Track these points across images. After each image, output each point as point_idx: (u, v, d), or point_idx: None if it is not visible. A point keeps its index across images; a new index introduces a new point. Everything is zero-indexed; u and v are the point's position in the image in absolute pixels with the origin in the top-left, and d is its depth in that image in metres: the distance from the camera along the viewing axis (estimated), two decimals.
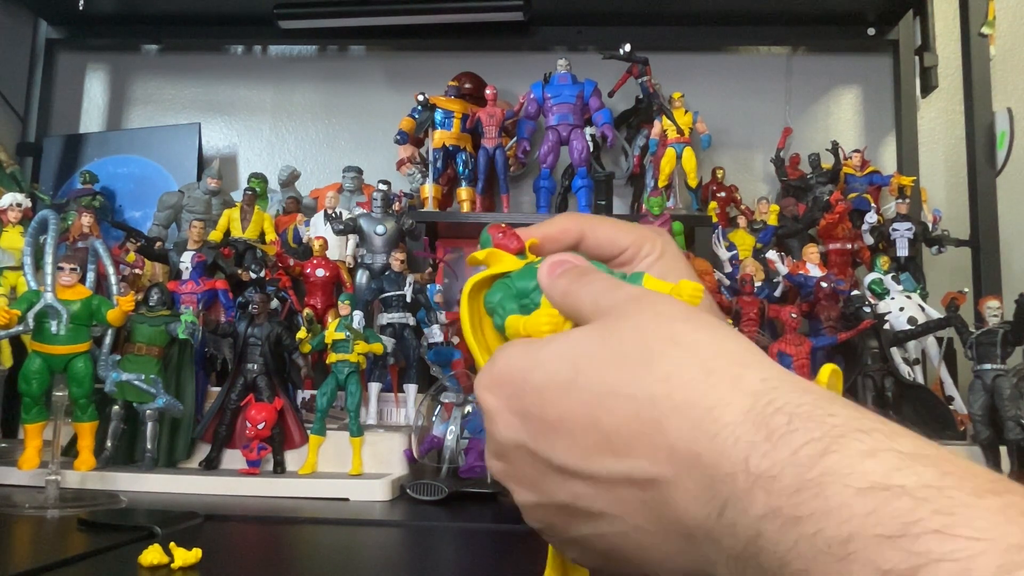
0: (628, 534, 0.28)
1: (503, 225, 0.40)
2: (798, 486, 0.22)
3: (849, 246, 1.52)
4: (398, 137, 1.60)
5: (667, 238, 0.40)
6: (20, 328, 1.04)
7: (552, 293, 0.34)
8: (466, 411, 1.17)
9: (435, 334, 1.35)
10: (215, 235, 1.50)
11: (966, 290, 1.35)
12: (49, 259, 1.04)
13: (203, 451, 1.17)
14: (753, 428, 0.24)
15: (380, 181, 1.60)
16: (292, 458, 1.16)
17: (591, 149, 1.59)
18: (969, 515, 0.19)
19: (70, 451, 1.08)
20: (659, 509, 0.26)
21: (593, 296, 0.32)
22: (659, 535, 0.27)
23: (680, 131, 1.57)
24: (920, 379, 1.34)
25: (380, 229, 1.48)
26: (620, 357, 0.28)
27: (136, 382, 1.07)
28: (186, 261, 1.40)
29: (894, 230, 1.50)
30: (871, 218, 1.52)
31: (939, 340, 1.38)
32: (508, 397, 0.31)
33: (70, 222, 1.42)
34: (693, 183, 1.58)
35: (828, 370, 0.30)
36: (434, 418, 1.19)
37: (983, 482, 0.20)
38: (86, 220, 1.40)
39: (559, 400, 0.29)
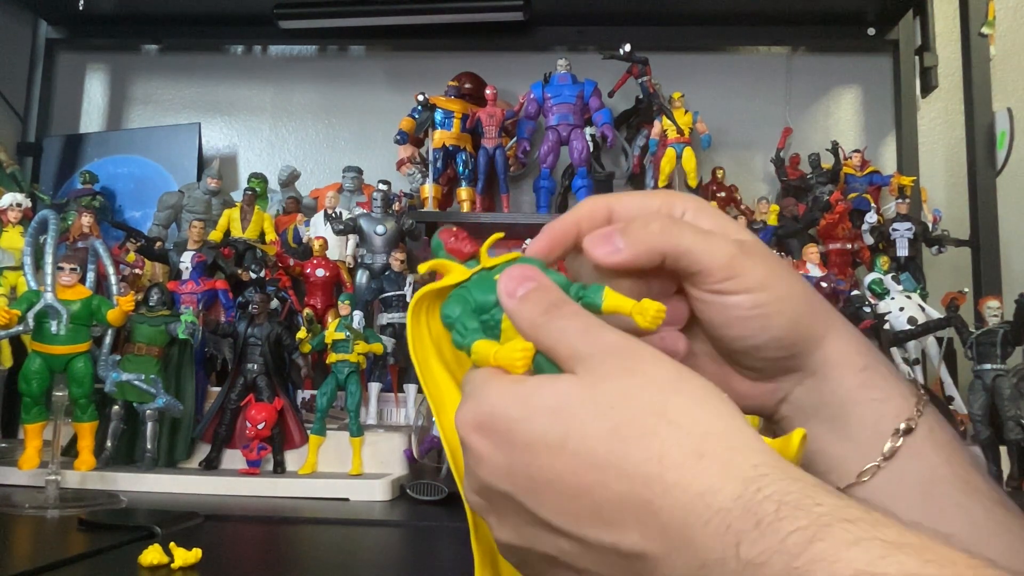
0: None
1: (454, 228, 0.38)
2: (786, 573, 0.23)
3: (849, 246, 1.52)
4: (398, 137, 1.60)
5: (696, 199, 0.38)
6: (20, 328, 1.04)
7: (518, 320, 0.32)
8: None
9: None
10: (215, 235, 1.50)
11: (966, 290, 1.35)
12: (49, 259, 1.04)
13: (203, 451, 1.17)
14: (743, 515, 0.24)
15: (380, 181, 1.60)
16: (292, 458, 1.16)
17: (591, 149, 1.59)
18: None
19: (70, 451, 1.08)
20: None
21: (569, 340, 0.31)
22: None
23: (680, 131, 1.57)
24: (920, 379, 1.33)
25: (380, 229, 1.48)
26: (612, 428, 0.28)
27: (136, 382, 1.07)
28: (186, 261, 1.40)
29: (894, 230, 1.50)
30: (871, 218, 1.52)
31: (939, 340, 1.37)
32: (496, 445, 0.30)
33: (70, 222, 1.42)
34: (693, 183, 1.57)
35: (799, 436, 0.29)
36: (434, 418, 1.19)
37: (962, 569, 0.21)
38: (86, 220, 1.40)
39: (549, 462, 0.29)
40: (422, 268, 0.37)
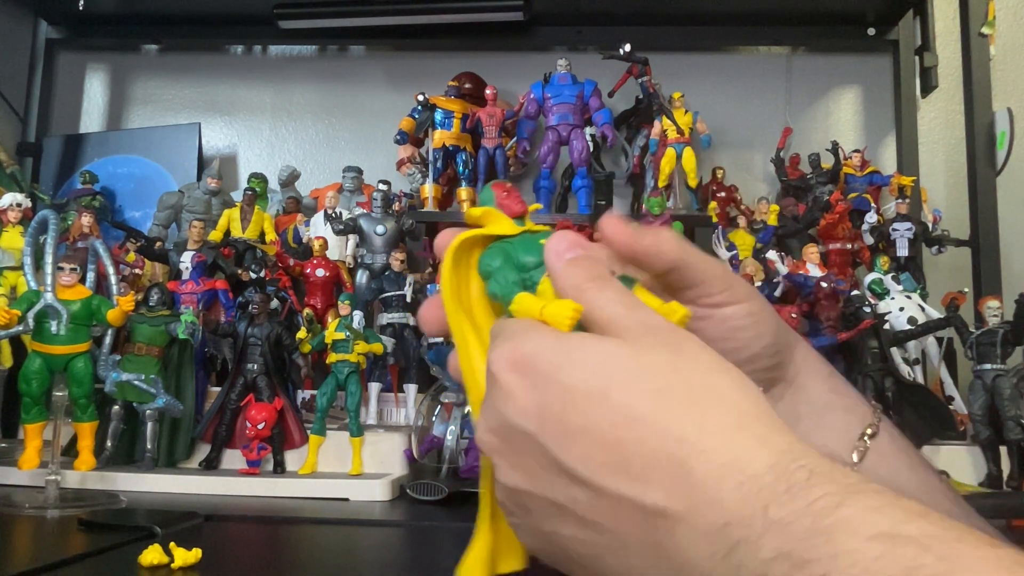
0: (614, 550, 0.29)
1: (507, 184, 0.38)
2: (811, 533, 0.23)
3: (849, 246, 1.52)
4: (398, 137, 1.60)
5: (761, 301, 0.39)
6: (20, 328, 1.04)
7: (564, 281, 0.32)
8: (466, 411, 1.17)
9: None
10: (215, 235, 1.50)
11: (966, 290, 1.35)
12: (49, 259, 1.04)
13: (203, 451, 1.17)
14: (775, 480, 0.25)
15: (380, 181, 1.60)
16: (292, 458, 1.16)
17: (591, 149, 1.59)
18: (968, 563, 0.21)
19: (70, 451, 1.08)
20: (658, 537, 0.27)
21: (612, 309, 0.31)
22: (647, 559, 0.28)
23: (680, 131, 1.57)
24: (920, 379, 1.33)
25: (380, 229, 1.48)
26: (656, 389, 0.29)
27: (136, 382, 1.07)
28: (186, 261, 1.40)
29: (894, 230, 1.50)
30: (871, 218, 1.52)
31: (939, 340, 1.37)
32: (532, 385, 0.30)
33: (70, 222, 1.42)
34: (693, 183, 1.57)
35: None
36: (434, 418, 1.19)
37: (982, 537, 0.22)
38: (86, 220, 1.40)
39: (586, 408, 0.29)
40: (474, 211, 0.37)
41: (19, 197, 1.39)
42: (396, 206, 1.54)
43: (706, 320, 0.37)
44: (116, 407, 1.13)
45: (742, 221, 1.60)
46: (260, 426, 1.12)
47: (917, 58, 1.73)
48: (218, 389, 1.22)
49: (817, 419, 0.39)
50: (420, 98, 1.61)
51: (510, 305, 0.33)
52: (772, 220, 1.61)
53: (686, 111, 1.60)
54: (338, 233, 1.48)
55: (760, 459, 0.26)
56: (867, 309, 1.27)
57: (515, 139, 1.66)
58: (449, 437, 1.13)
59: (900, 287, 1.39)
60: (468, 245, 0.37)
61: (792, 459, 0.26)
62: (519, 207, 0.37)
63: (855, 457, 0.38)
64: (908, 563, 0.22)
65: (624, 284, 0.34)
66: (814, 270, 1.42)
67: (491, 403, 0.32)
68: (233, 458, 1.15)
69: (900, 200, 1.54)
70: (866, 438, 0.38)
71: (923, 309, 1.36)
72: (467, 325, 0.36)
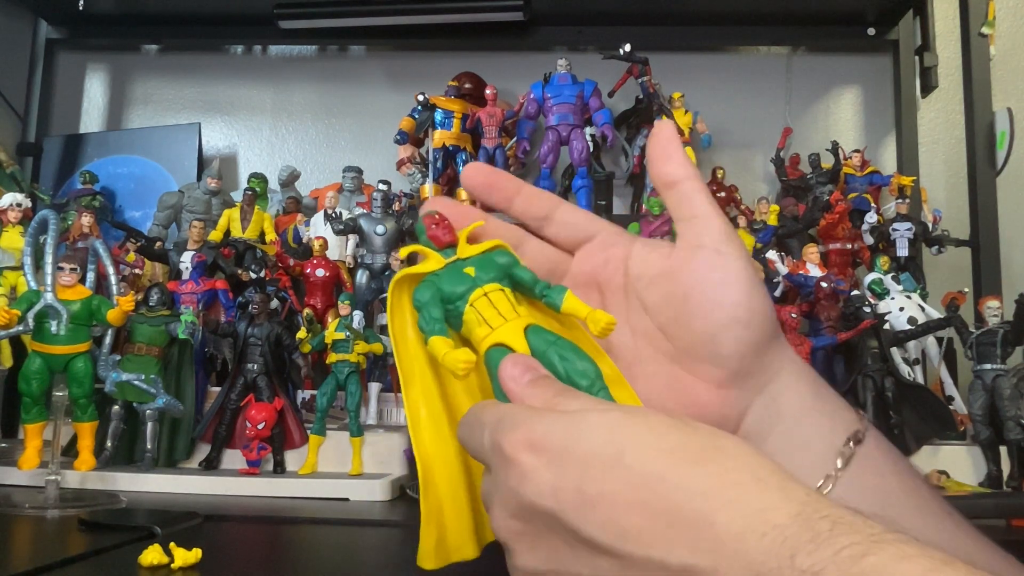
0: None
1: (437, 215, 0.39)
2: None
3: (849, 246, 1.52)
4: (398, 137, 1.60)
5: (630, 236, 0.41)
6: (20, 328, 1.03)
7: (531, 402, 0.34)
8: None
9: None
10: (215, 235, 1.50)
11: (966, 290, 1.35)
12: (49, 259, 1.04)
13: (203, 451, 1.17)
14: (799, 530, 0.25)
15: (380, 181, 1.60)
16: (292, 458, 1.16)
17: (591, 149, 1.59)
18: None
19: (70, 451, 1.08)
20: None
21: (587, 410, 0.32)
22: None
23: (680, 131, 1.57)
24: (920, 379, 1.33)
25: (380, 229, 1.48)
26: (669, 448, 0.29)
27: (136, 382, 1.07)
28: (186, 261, 1.40)
29: (894, 230, 1.50)
30: (871, 218, 1.52)
31: (939, 340, 1.37)
32: (548, 462, 0.30)
33: (70, 222, 1.42)
34: None
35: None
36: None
37: None
38: (86, 220, 1.40)
39: (602, 475, 0.29)
40: (402, 252, 0.40)
41: (19, 197, 1.39)
42: (396, 206, 1.54)
43: (703, 263, 0.38)
44: (116, 407, 1.13)
45: (742, 221, 1.60)
46: (260, 426, 1.12)
47: (917, 58, 1.73)
48: (218, 389, 1.22)
49: (799, 420, 0.39)
50: (420, 98, 1.61)
51: (427, 346, 0.36)
52: (772, 220, 1.61)
53: (686, 111, 1.60)
54: (338, 233, 1.48)
55: (782, 510, 0.26)
56: (867, 309, 1.27)
57: (515, 139, 1.66)
58: None
59: (900, 287, 1.39)
60: (407, 282, 0.39)
61: (814, 510, 0.26)
62: (447, 238, 0.39)
63: (839, 463, 0.37)
64: None
65: (554, 293, 0.37)
66: (814, 270, 1.42)
67: (506, 487, 0.32)
68: (233, 458, 1.15)
69: (900, 200, 1.54)
70: (851, 443, 0.38)
71: (923, 309, 1.36)
72: (412, 362, 0.39)
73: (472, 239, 0.40)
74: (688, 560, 0.27)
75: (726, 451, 0.29)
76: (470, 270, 0.38)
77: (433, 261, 0.39)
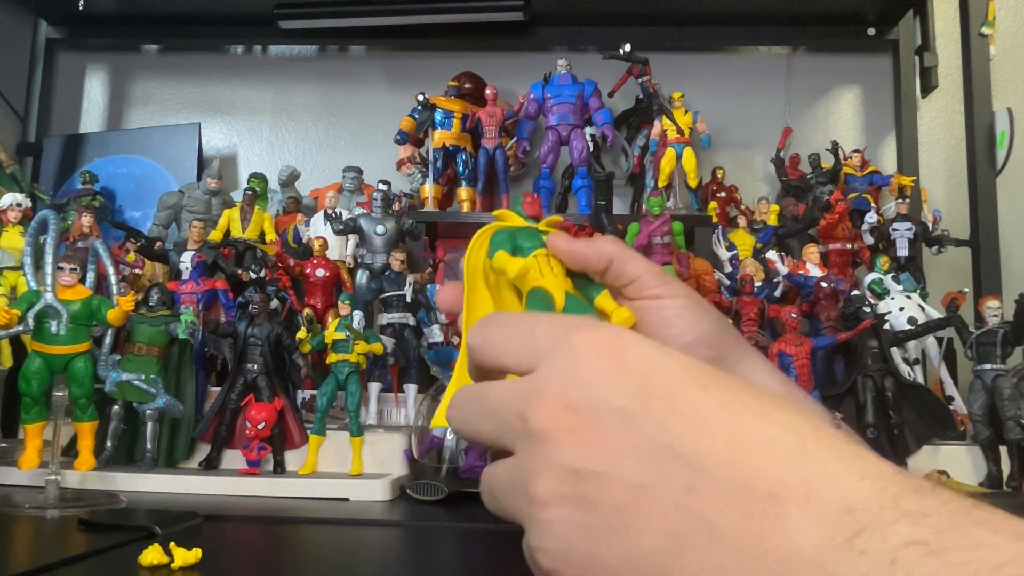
0: (698, 544, 0.26)
1: (532, 196, 0.49)
2: (948, 525, 0.23)
3: (849, 246, 1.52)
4: (398, 137, 1.60)
5: (697, 297, 0.43)
6: (20, 328, 1.04)
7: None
8: None
9: (435, 334, 1.35)
10: (215, 235, 1.50)
11: (966, 290, 1.35)
12: (49, 259, 1.04)
13: (203, 451, 1.17)
14: (902, 481, 0.25)
15: (380, 181, 1.60)
16: (292, 458, 1.16)
17: (591, 149, 1.59)
18: None
19: (70, 451, 1.08)
20: (762, 524, 0.25)
21: None
22: (737, 553, 0.25)
23: (680, 131, 1.57)
24: (920, 379, 1.33)
25: (380, 229, 1.48)
26: (759, 394, 0.28)
27: (136, 382, 1.07)
28: (186, 261, 1.40)
29: (894, 230, 1.50)
30: (871, 218, 1.52)
31: (939, 340, 1.38)
32: (633, 370, 0.28)
33: (70, 222, 1.42)
34: (693, 183, 1.57)
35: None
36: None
37: None
38: (86, 220, 1.40)
39: (696, 395, 0.28)
40: (497, 212, 0.47)
41: (19, 197, 1.40)
42: (396, 206, 1.54)
43: (646, 310, 0.41)
44: (116, 407, 1.13)
45: (742, 221, 1.60)
46: (260, 426, 1.12)
47: (917, 58, 1.73)
48: (218, 389, 1.22)
49: None
50: (420, 98, 1.61)
51: (492, 262, 0.43)
52: (772, 220, 1.61)
53: (686, 111, 1.60)
54: (338, 233, 1.48)
55: (881, 465, 0.25)
56: (867, 309, 1.27)
57: (515, 139, 1.66)
58: (449, 437, 1.13)
59: (900, 287, 1.39)
60: (490, 230, 0.46)
61: (910, 472, 0.26)
62: (535, 211, 0.47)
63: None
64: None
65: (593, 289, 0.42)
66: (814, 270, 1.42)
67: (579, 376, 0.29)
68: (233, 458, 1.15)
69: (900, 200, 1.54)
70: None
71: (923, 309, 1.36)
72: (480, 283, 0.45)
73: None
74: (776, 488, 0.25)
75: (816, 410, 0.29)
76: (547, 235, 0.44)
77: (517, 221, 0.46)
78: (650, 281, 0.41)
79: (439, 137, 1.62)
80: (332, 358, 1.19)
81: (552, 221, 0.47)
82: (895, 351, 1.31)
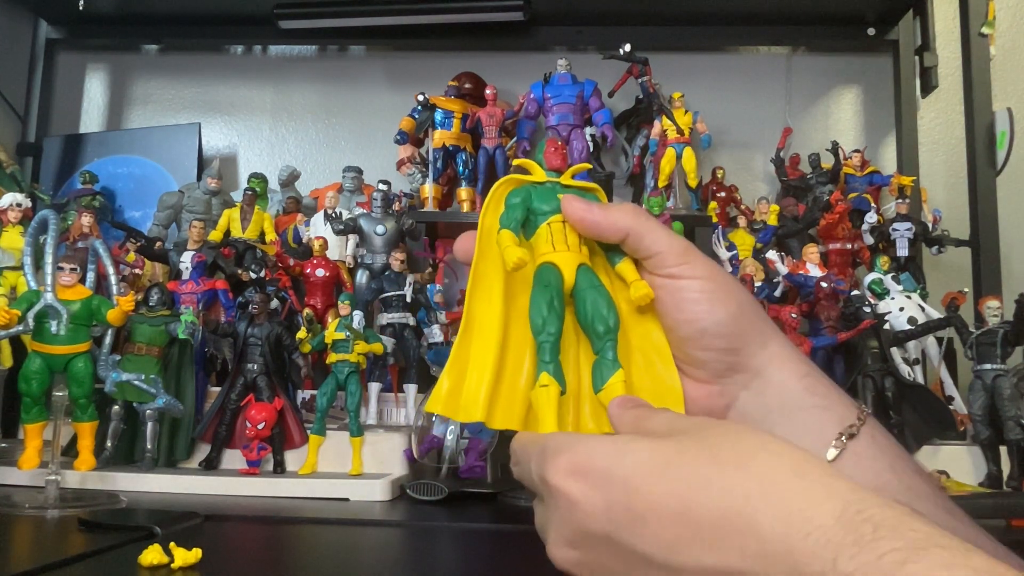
0: None
1: (558, 142, 0.45)
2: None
3: (849, 246, 1.52)
4: (398, 137, 1.60)
5: (721, 280, 0.41)
6: (20, 328, 1.03)
7: (619, 423, 0.36)
8: None
9: (435, 334, 1.35)
10: (215, 235, 1.50)
11: (966, 290, 1.35)
12: (49, 259, 1.04)
13: (203, 451, 1.17)
14: (842, 532, 0.26)
15: (380, 181, 1.60)
16: (292, 458, 1.16)
17: (591, 149, 1.59)
18: None
19: (70, 451, 1.08)
20: None
21: (667, 421, 0.34)
22: None
23: (680, 131, 1.57)
24: (920, 379, 1.33)
25: (380, 229, 1.48)
26: (712, 455, 0.29)
27: (136, 382, 1.07)
28: (186, 261, 1.40)
29: (894, 230, 1.50)
30: (871, 218, 1.52)
31: (939, 340, 1.38)
32: (594, 485, 0.31)
33: (70, 222, 1.42)
34: (693, 183, 1.57)
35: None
36: (434, 418, 1.19)
37: None
38: (86, 220, 1.40)
39: (648, 488, 0.30)
40: (516, 161, 0.45)
41: (19, 197, 1.39)
42: (396, 206, 1.54)
43: (663, 289, 0.40)
44: (116, 407, 1.13)
45: (742, 221, 1.60)
46: (260, 426, 1.12)
47: (917, 58, 1.73)
48: (218, 389, 1.22)
49: (789, 414, 0.40)
50: (420, 98, 1.61)
51: (498, 234, 0.41)
52: (772, 220, 1.61)
53: (686, 111, 1.60)
54: (338, 233, 1.48)
55: (825, 508, 0.26)
56: (867, 309, 1.27)
57: (515, 139, 1.66)
58: (449, 437, 1.13)
59: (900, 287, 1.39)
60: (509, 185, 0.44)
61: (857, 510, 0.26)
62: (557, 163, 0.44)
63: (829, 457, 0.38)
64: None
65: (615, 256, 0.41)
66: (814, 270, 1.42)
67: (559, 516, 0.33)
68: (233, 458, 1.15)
69: (900, 200, 1.54)
70: (843, 438, 0.39)
71: (923, 309, 1.36)
72: (490, 248, 0.43)
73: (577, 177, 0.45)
74: (738, 565, 0.27)
75: (770, 449, 0.29)
76: (562, 196, 0.42)
77: (538, 175, 0.44)
78: (669, 259, 0.40)
79: (439, 137, 1.62)
80: (332, 358, 1.19)
81: (577, 170, 0.45)
82: (895, 351, 1.31)
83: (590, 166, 0.49)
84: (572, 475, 0.32)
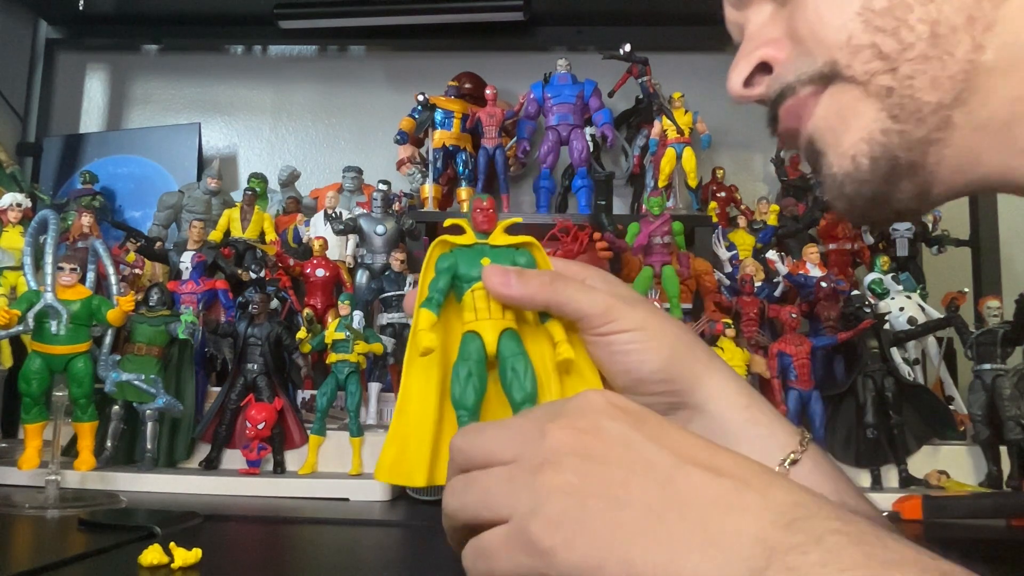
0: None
1: (484, 202, 0.46)
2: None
3: (849, 246, 1.52)
4: (398, 137, 1.60)
5: (600, 271, 0.45)
6: (20, 328, 1.03)
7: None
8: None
9: None
10: (215, 235, 1.50)
11: (966, 290, 1.35)
12: (49, 259, 1.04)
13: (203, 451, 1.17)
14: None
15: (380, 181, 1.60)
16: (292, 458, 1.16)
17: (591, 149, 1.59)
18: None
19: (70, 451, 1.08)
20: None
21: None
22: None
23: (680, 131, 1.57)
24: (920, 379, 1.33)
25: (380, 229, 1.48)
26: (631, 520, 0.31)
27: (136, 382, 1.07)
28: (186, 261, 1.40)
29: (894, 230, 1.50)
30: None
31: (939, 340, 1.37)
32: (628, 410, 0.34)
33: (70, 222, 1.42)
34: (693, 183, 1.57)
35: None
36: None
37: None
38: (86, 220, 1.40)
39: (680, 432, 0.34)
40: (448, 221, 0.47)
41: (19, 197, 1.39)
42: (396, 206, 1.54)
43: (595, 346, 0.42)
44: (116, 407, 1.13)
45: (742, 221, 1.60)
46: (260, 426, 1.12)
47: None
48: (218, 389, 1.22)
49: (734, 446, 0.41)
50: (420, 98, 1.61)
51: (416, 311, 0.43)
52: (772, 220, 1.61)
53: (686, 111, 1.60)
54: (338, 233, 1.48)
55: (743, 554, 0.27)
56: (867, 309, 1.27)
57: (515, 139, 1.66)
58: None
59: (900, 287, 1.39)
60: (443, 247, 0.46)
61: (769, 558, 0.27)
62: (484, 227, 0.46)
63: None
64: None
65: (544, 315, 0.43)
66: (814, 270, 1.42)
67: (579, 405, 0.34)
68: (233, 458, 1.15)
69: None
70: (786, 464, 0.40)
71: (923, 309, 1.36)
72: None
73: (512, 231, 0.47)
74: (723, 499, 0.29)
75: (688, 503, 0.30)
76: (486, 260, 0.44)
77: (467, 237, 0.45)
78: (594, 321, 0.41)
79: (439, 137, 1.62)
80: (332, 358, 1.19)
81: (509, 223, 0.46)
82: (895, 351, 1.31)
83: (520, 219, 0.50)
84: (613, 403, 0.33)
